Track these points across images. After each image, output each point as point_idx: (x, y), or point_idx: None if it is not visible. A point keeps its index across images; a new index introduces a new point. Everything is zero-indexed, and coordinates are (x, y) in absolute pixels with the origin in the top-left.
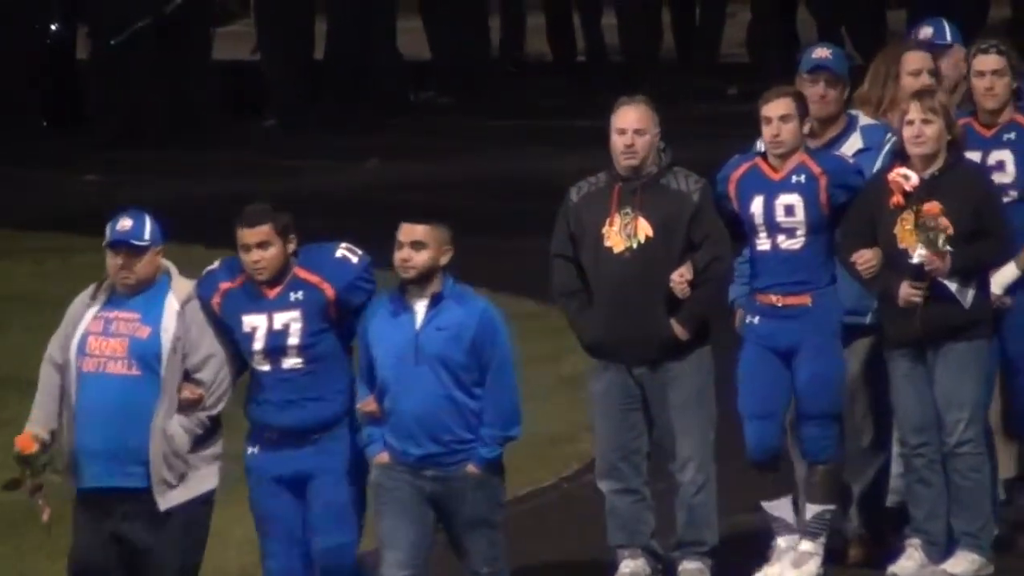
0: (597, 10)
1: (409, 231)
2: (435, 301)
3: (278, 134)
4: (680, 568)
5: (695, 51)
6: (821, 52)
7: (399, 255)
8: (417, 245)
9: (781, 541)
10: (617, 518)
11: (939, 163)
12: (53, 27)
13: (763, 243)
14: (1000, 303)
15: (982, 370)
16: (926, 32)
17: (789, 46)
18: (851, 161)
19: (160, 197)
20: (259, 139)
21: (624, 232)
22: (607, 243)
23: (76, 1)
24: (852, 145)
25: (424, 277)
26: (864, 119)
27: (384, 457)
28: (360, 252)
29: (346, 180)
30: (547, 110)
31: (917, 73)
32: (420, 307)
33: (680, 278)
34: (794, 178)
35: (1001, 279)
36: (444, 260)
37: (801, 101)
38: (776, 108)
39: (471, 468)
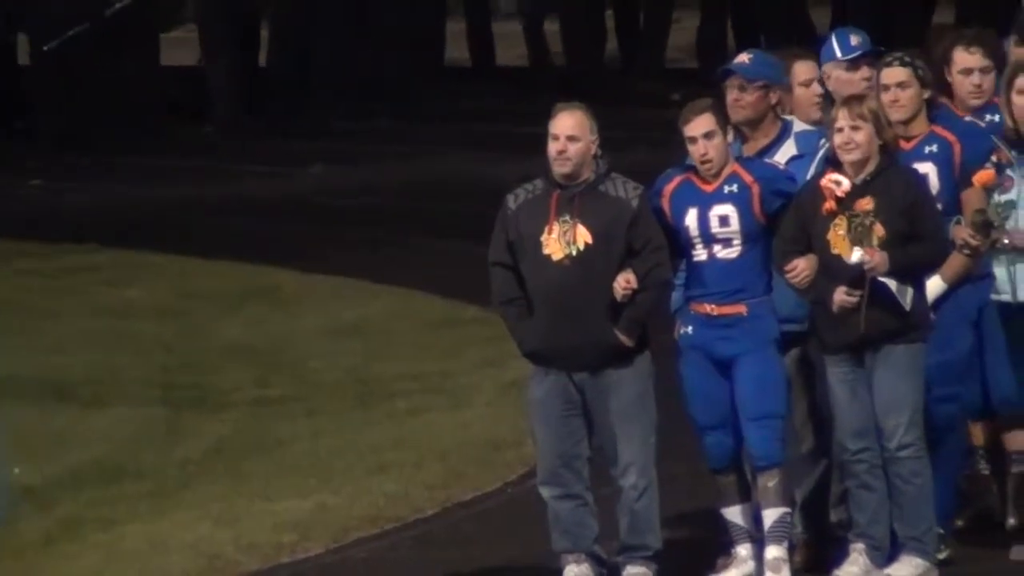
0: (540, 15)
1: None
2: None
3: (220, 140)
4: (624, 573)
5: (639, 56)
6: (741, 57)
7: None
8: None
9: (741, 549)
10: (560, 524)
11: (871, 168)
12: None
13: (699, 254)
14: None
15: (920, 373)
16: (856, 40)
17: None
18: (782, 167)
19: (105, 202)
20: (203, 144)
21: (563, 239)
22: (546, 251)
23: (16, 5)
24: (786, 151)
25: None
26: (799, 125)
27: None
28: None
29: (291, 185)
30: (489, 115)
31: (808, 83)
32: None
33: (627, 284)
34: (726, 188)
35: (927, 293)
36: None
37: (721, 111)
38: (698, 127)
39: None
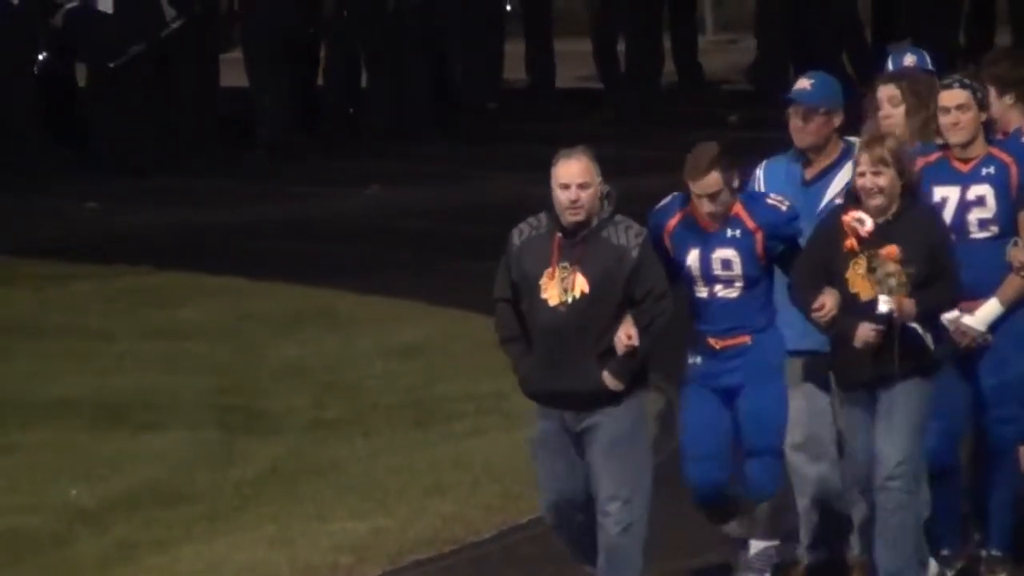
0: (614, 33)
1: None
2: None
3: (272, 161)
4: None
5: (696, 78)
6: (802, 83)
7: None
8: None
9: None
10: (572, 551)
11: (894, 208)
12: (41, 56)
13: (701, 291)
14: (983, 340)
15: (926, 409)
16: (910, 59)
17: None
18: (785, 208)
19: (161, 224)
20: (259, 166)
21: (561, 285)
22: (543, 295)
23: (70, 30)
24: (847, 174)
25: None
26: None
27: None
28: None
29: (346, 206)
30: (546, 137)
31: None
32: None
33: (628, 340)
34: (729, 232)
35: (984, 315)
36: None
37: (727, 162)
38: (705, 187)
39: None
